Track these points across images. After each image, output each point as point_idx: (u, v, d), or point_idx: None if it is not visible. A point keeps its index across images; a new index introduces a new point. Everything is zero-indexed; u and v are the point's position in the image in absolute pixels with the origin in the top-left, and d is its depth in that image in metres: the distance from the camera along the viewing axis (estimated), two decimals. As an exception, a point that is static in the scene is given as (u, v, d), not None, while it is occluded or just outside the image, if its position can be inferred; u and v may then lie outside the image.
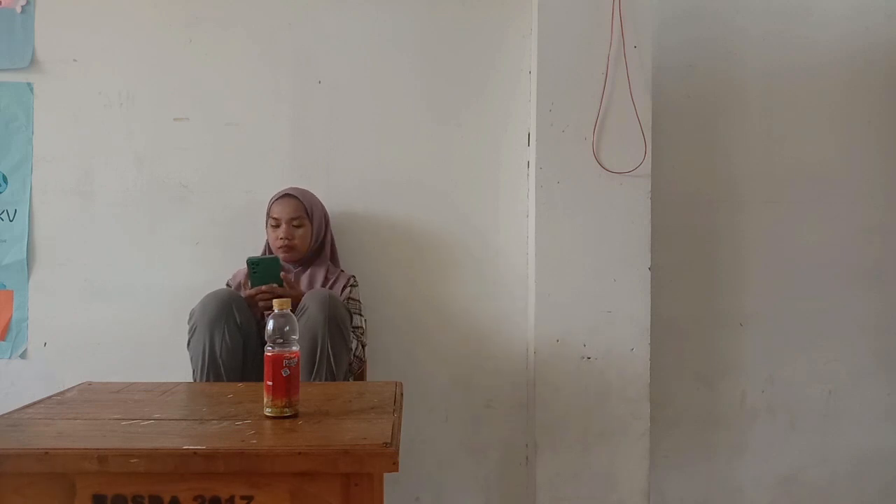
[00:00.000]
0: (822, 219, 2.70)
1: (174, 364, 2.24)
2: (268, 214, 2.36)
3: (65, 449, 1.25)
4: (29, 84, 2.54)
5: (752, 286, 2.69)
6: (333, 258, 2.43)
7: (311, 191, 2.42)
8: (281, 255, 2.27)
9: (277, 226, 2.32)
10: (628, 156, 2.33)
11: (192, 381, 2.08)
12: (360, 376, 2.29)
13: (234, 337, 2.05)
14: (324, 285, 2.30)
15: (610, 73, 2.33)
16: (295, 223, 2.32)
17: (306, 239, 2.34)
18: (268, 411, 1.44)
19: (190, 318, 2.09)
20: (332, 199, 2.51)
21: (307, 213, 2.34)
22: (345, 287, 2.32)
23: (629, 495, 2.35)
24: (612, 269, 2.35)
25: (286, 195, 2.35)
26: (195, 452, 1.23)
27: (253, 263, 2.12)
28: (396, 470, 1.25)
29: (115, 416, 1.47)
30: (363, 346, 2.25)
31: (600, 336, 2.35)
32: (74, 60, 2.54)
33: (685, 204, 2.66)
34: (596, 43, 2.33)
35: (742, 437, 2.69)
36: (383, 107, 2.57)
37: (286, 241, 2.30)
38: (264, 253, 2.38)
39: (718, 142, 2.69)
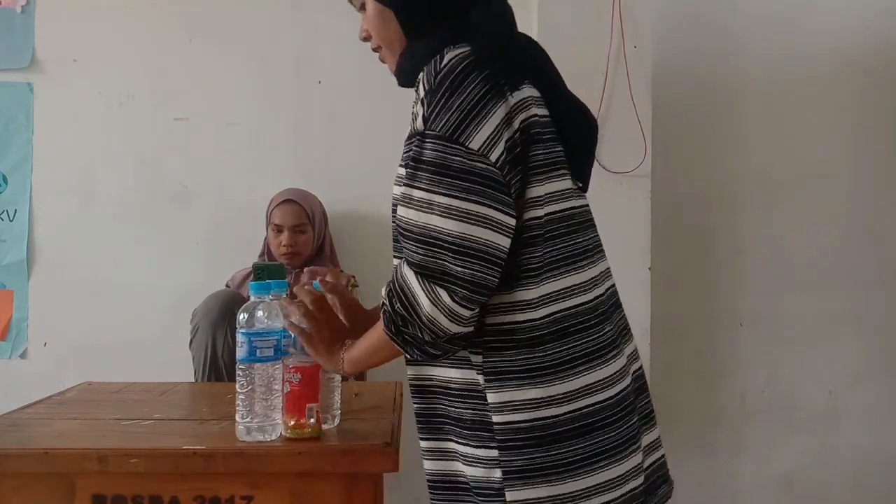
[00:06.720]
0: (821, 219, 2.70)
1: (174, 364, 2.23)
2: (268, 219, 2.35)
3: (65, 449, 1.25)
4: (29, 84, 2.54)
5: (751, 286, 2.68)
6: (333, 257, 2.43)
7: (311, 191, 2.42)
8: (284, 262, 2.27)
9: (280, 231, 2.31)
10: (628, 156, 2.32)
11: (192, 380, 2.08)
12: (360, 376, 2.28)
13: (236, 338, 2.05)
14: (324, 285, 2.30)
15: (610, 73, 2.32)
16: (298, 230, 2.31)
17: (309, 244, 2.33)
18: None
19: (192, 318, 2.09)
20: (332, 199, 2.50)
21: (309, 219, 2.33)
22: (345, 287, 2.31)
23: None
24: (612, 269, 2.34)
25: (287, 200, 2.33)
26: (195, 452, 1.23)
27: (258, 269, 2.13)
28: (396, 470, 1.26)
29: (115, 416, 1.47)
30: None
31: (600, 336, 2.35)
32: (74, 60, 2.54)
33: (685, 204, 2.65)
34: (596, 43, 2.32)
35: (742, 436, 2.69)
36: (383, 107, 2.56)
37: (289, 249, 2.29)
38: (263, 253, 2.38)
39: (718, 142, 2.68)
